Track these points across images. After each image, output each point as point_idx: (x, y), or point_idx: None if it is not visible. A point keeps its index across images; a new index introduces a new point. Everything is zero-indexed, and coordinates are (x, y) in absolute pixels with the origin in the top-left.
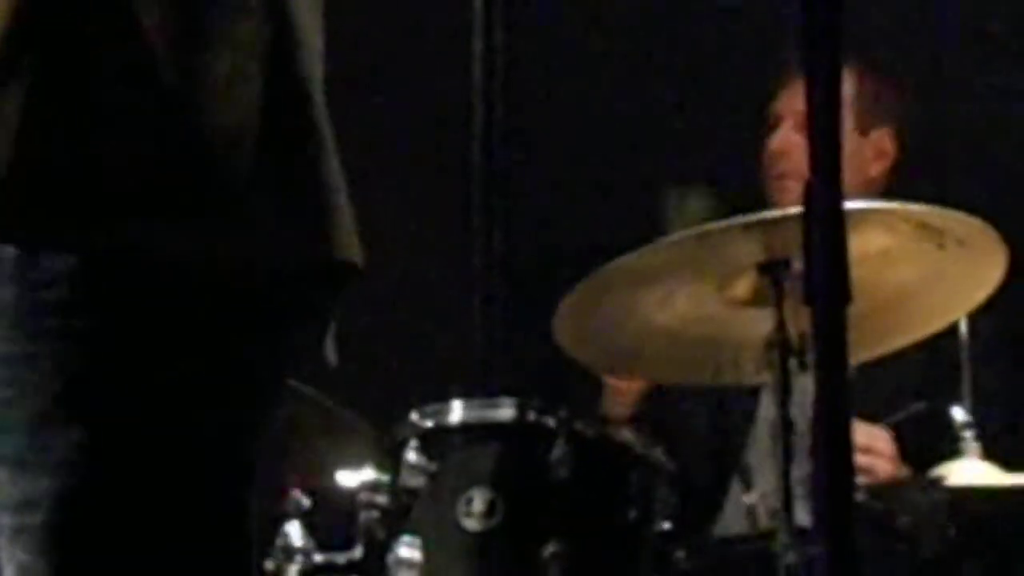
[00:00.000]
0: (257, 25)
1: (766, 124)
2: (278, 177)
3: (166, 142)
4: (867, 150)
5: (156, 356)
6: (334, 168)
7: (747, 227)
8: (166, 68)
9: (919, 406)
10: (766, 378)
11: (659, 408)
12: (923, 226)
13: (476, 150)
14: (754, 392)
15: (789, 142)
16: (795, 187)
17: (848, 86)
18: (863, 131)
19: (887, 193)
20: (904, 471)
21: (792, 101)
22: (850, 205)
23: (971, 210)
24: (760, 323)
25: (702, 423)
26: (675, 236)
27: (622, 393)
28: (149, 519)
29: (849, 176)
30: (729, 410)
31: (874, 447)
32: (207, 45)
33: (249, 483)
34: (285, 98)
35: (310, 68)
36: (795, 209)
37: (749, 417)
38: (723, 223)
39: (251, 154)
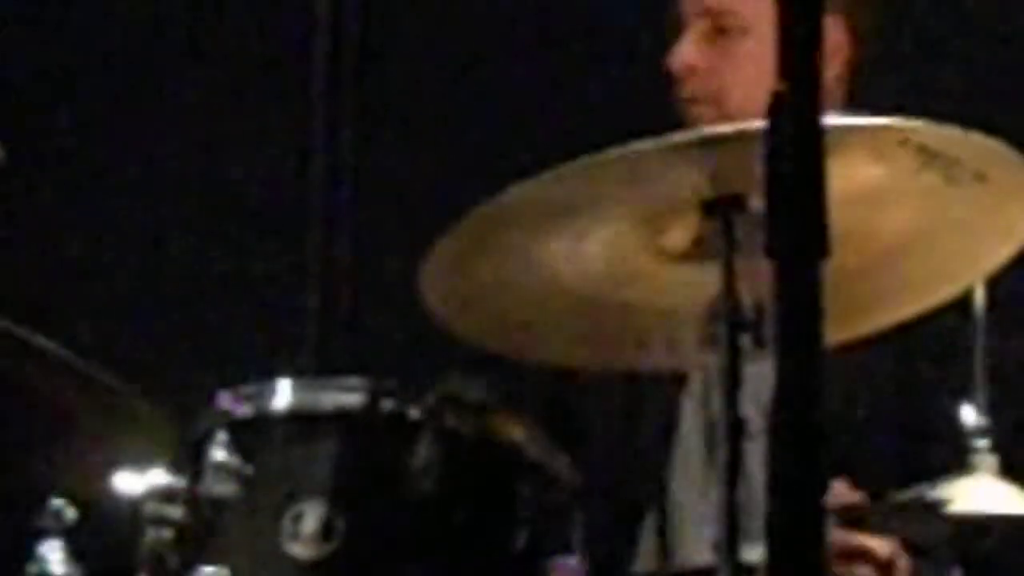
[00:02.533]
0: None
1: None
2: None
3: None
4: None
5: None
6: None
7: (687, 149)
8: None
9: (927, 491)
10: (707, 361)
11: (560, 401)
12: (928, 152)
13: (317, 90)
14: (679, 383)
15: (692, 55)
16: (710, 113)
17: None
18: None
19: (849, 107)
20: None
21: None
22: (830, 121)
23: (994, 131)
24: (702, 284)
25: (611, 426)
26: (590, 159)
27: None
28: None
29: (763, 91)
30: (643, 413)
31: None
32: None
33: None
34: None
35: None
36: (756, 124)
37: (668, 425)
38: (654, 142)
39: None
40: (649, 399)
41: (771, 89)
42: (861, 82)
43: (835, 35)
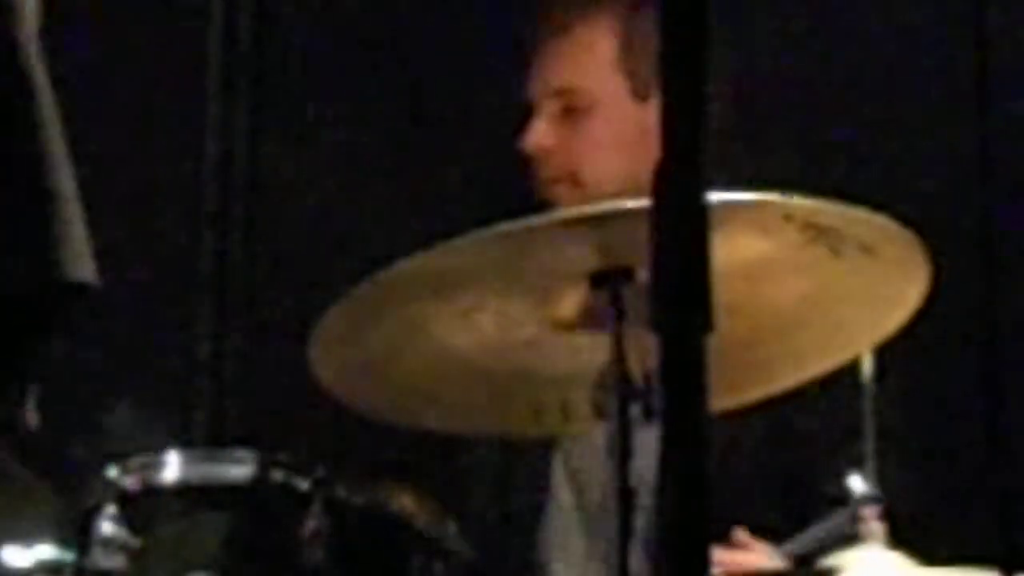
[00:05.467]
0: None
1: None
2: None
3: None
4: (650, 122)
5: None
6: (63, 170)
7: (574, 224)
8: None
9: (834, 525)
10: (600, 427)
11: (440, 466)
12: (813, 226)
13: (210, 142)
14: (549, 447)
15: (543, 137)
16: (568, 192)
17: (609, 30)
18: (641, 94)
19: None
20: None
21: (542, 77)
22: (716, 197)
23: (878, 205)
24: (594, 351)
25: (485, 488)
26: (481, 234)
27: None
28: None
29: (626, 165)
30: (516, 474)
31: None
32: None
33: None
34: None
35: (26, 35)
36: (641, 203)
37: (542, 485)
38: (542, 219)
39: None
40: (522, 465)
41: (654, 161)
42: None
43: None
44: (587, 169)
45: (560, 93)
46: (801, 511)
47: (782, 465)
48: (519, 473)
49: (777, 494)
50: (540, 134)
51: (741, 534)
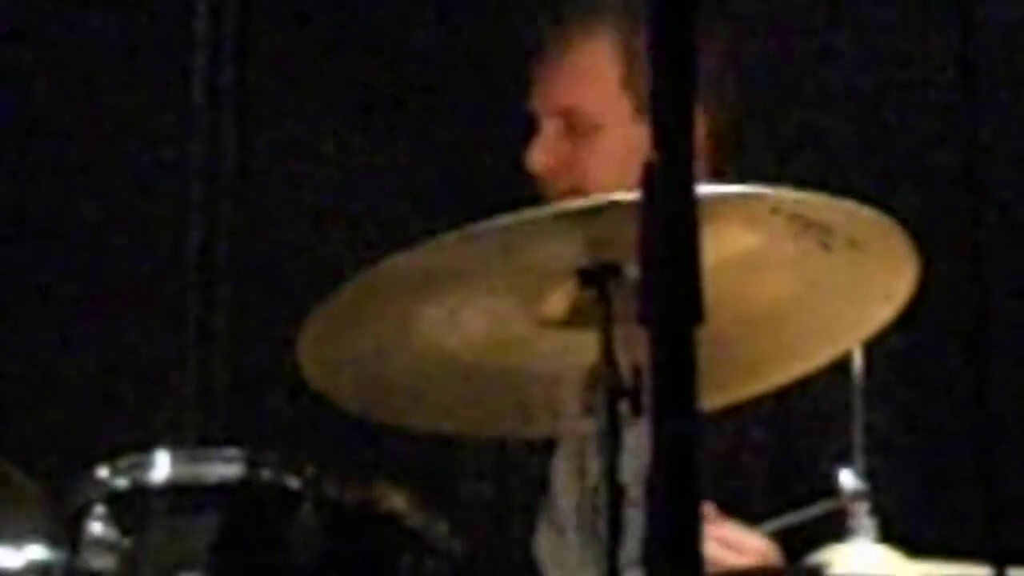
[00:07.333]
0: None
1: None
2: None
3: None
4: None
5: None
6: None
7: (563, 219)
8: None
9: (816, 511)
10: (587, 428)
11: (435, 466)
12: (801, 220)
13: (197, 143)
14: (549, 447)
15: (548, 155)
16: None
17: (612, 50)
18: (645, 113)
19: (718, 176)
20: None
21: (546, 94)
22: (704, 190)
23: (866, 199)
24: (583, 350)
25: (483, 489)
26: (468, 230)
27: None
28: None
29: (630, 184)
30: (513, 473)
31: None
32: None
33: None
34: None
35: None
36: (630, 196)
37: (539, 485)
38: (531, 214)
39: None
40: (519, 463)
41: (644, 159)
42: (731, 151)
43: None
44: (592, 188)
45: (563, 113)
46: (791, 506)
47: (771, 459)
48: (515, 471)
49: (766, 489)
50: (544, 152)
51: (708, 509)
